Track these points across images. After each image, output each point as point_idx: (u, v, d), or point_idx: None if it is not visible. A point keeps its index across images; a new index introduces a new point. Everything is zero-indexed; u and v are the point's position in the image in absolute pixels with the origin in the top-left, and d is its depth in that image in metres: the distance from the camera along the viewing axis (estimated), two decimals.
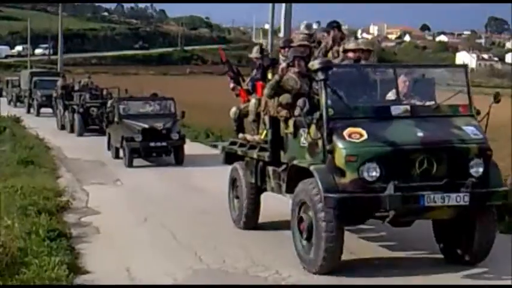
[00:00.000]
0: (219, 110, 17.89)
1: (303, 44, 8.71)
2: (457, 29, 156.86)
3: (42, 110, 32.78)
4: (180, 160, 16.44)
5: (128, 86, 24.43)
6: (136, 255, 8.12)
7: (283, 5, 17.61)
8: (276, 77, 8.08)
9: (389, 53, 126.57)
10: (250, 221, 9.39)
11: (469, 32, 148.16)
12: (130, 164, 15.92)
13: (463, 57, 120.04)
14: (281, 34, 18.01)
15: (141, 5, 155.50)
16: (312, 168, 7.07)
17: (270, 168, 8.52)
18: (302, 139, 7.60)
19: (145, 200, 11.88)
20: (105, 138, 18.35)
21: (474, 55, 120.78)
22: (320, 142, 7.14)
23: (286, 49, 9.01)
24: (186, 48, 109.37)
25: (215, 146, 13.05)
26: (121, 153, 16.69)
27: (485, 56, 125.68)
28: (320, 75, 7.01)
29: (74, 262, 7.56)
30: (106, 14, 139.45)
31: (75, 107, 23.93)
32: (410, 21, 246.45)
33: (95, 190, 12.66)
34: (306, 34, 9.29)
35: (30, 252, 7.48)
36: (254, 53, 9.78)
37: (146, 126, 16.18)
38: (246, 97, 9.59)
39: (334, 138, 6.94)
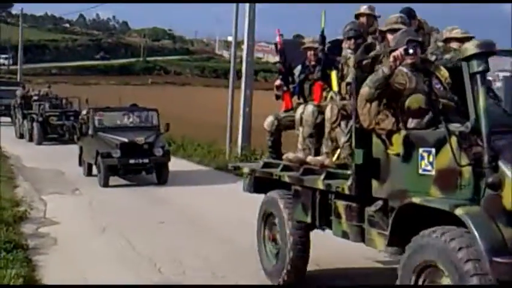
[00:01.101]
0: (181, 119, 17.78)
1: (396, 27, 5.96)
2: None
3: (1, 119, 32.29)
4: (163, 179, 14.65)
5: (88, 95, 24.29)
6: (95, 267, 7.93)
7: (247, 17, 17.66)
8: (385, 70, 5.37)
9: None
10: (296, 272, 6.88)
11: None
12: (106, 183, 14.17)
13: None
14: (244, 46, 18.06)
15: (103, 17, 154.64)
16: (461, 212, 4.44)
17: (342, 204, 6.00)
18: (424, 163, 5.06)
19: (104, 210, 11.71)
20: (64, 147, 18.10)
21: None
22: (467, 170, 4.69)
23: (353, 40, 6.62)
24: (148, 59, 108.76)
25: (235, 168, 9.15)
26: (94, 170, 15.17)
27: None
28: (476, 66, 4.66)
29: (30, 274, 7.35)
30: (67, 25, 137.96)
31: (34, 116, 23.88)
32: None
33: (54, 200, 12.43)
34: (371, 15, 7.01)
35: None
36: (310, 42, 7.28)
37: (125, 140, 14.44)
38: (289, 103, 7.42)
39: (502, 164, 4.48)
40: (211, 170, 17.05)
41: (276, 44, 7.63)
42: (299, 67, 7.42)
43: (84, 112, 17.19)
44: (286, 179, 6.76)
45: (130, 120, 15.89)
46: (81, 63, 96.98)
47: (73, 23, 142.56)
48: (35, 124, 23.58)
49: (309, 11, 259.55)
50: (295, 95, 7.40)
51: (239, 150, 17.15)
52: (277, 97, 7.53)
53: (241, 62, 18.50)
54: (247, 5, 17.56)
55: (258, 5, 17.61)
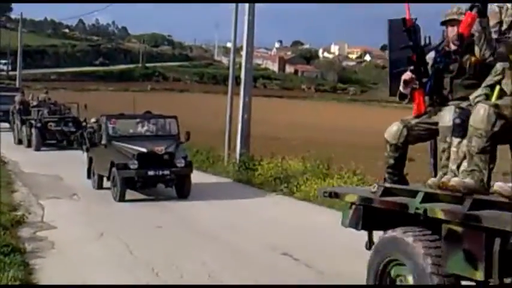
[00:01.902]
0: (180, 125, 17.75)
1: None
2: None
3: (0, 125, 32.32)
4: (185, 193, 13.38)
5: (87, 102, 24.45)
6: (92, 271, 7.93)
7: (246, 23, 17.70)
8: None
9: (350, 72, 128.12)
10: None
11: None
12: (122, 197, 12.92)
13: None
14: (243, 53, 18.11)
15: (103, 22, 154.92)
16: None
17: None
18: None
19: (102, 214, 11.73)
20: (63, 153, 18.01)
21: None
22: None
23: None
24: (147, 65, 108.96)
25: (331, 195, 6.17)
26: (105, 183, 14.10)
27: None
28: None
29: (27, 278, 7.37)
30: (67, 30, 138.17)
31: (32, 121, 23.88)
32: (371, 41, 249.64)
33: (51, 204, 12.41)
34: None
35: None
36: (454, 14, 5.46)
37: (144, 150, 13.22)
38: (422, 105, 5.61)
39: None
40: (210, 175, 17.07)
41: (404, 20, 5.61)
42: (432, 54, 5.66)
43: (93, 120, 16.19)
44: (440, 215, 4.73)
45: (146, 128, 14.60)
46: (80, 69, 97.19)
47: (72, 28, 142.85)
48: (33, 130, 23.56)
49: (310, 18, 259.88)
50: (427, 93, 5.60)
51: (238, 157, 17.17)
52: (402, 96, 5.67)
53: (240, 68, 18.54)
54: (246, 10, 17.60)
55: (257, 10, 17.63)
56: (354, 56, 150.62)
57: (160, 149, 13.30)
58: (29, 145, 23.78)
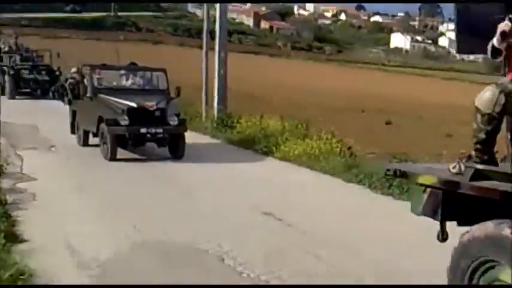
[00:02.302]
0: None
1: None
2: (390, 10, 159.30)
3: None
4: (180, 153, 12.62)
5: (60, 50, 24.06)
6: (74, 224, 7.95)
7: None
8: None
9: (325, 31, 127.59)
10: None
11: (403, 14, 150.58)
12: (113, 156, 12.12)
13: (398, 39, 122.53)
14: (217, 5, 17.90)
15: None
16: None
17: None
18: None
19: (81, 167, 11.73)
20: (39, 103, 17.76)
21: (408, 37, 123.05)
22: None
23: None
24: (119, 14, 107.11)
25: (396, 174, 4.93)
26: (92, 139, 13.42)
27: (419, 38, 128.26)
28: None
29: (10, 230, 7.35)
30: None
31: (5, 68, 23.22)
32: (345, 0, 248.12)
33: (30, 155, 12.37)
34: None
35: None
36: None
37: (133, 105, 12.26)
38: None
39: None
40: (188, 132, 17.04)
41: None
42: None
43: (73, 70, 15.33)
44: None
45: (132, 81, 13.70)
46: (51, 15, 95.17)
47: None
48: (6, 77, 22.95)
49: None
50: None
51: (215, 113, 17.14)
52: (496, 52, 4.49)
53: (214, 21, 18.26)
54: None
55: None
56: (329, 15, 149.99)
57: (151, 104, 12.38)
58: (2, 93, 22.97)
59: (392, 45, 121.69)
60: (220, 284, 6.98)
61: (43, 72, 23.11)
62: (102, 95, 12.87)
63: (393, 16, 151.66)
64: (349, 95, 20.47)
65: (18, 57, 23.67)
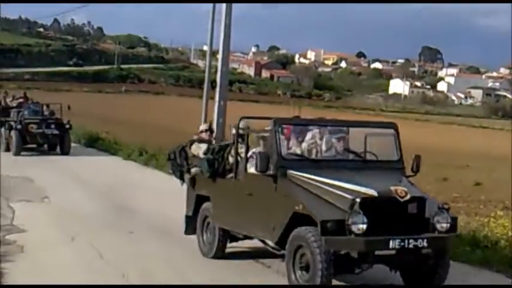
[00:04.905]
0: (154, 128, 17.64)
1: None
2: (391, 57, 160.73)
3: None
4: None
5: (63, 102, 23.76)
6: (61, 276, 7.81)
7: (222, 26, 17.64)
8: None
9: (325, 78, 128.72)
10: None
11: (403, 60, 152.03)
12: None
13: (397, 85, 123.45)
14: (219, 56, 18.05)
15: (78, 22, 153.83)
16: None
17: None
18: None
19: (74, 218, 11.56)
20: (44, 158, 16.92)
21: (407, 82, 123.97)
22: None
23: None
24: (122, 66, 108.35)
25: None
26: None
27: (418, 83, 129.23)
28: None
29: None
30: (42, 30, 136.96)
31: (12, 123, 22.15)
32: (346, 48, 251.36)
33: (22, 207, 12.23)
34: None
35: None
36: None
37: (372, 192, 6.87)
38: None
39: None
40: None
41: None
42: None
43: (203, 127, 10.30)
44: None
45: (332, 145, 8.05)
46: (54, 69, 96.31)
47: (47, 28, 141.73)
48: (12, 132, 21.84)
49: (286, 23, 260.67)
50: None
51: None
52: None
53: (216, 72, 18.44)
54: (223, 13, 17.51)
55: (234, 14, 17.55)
56: (329, 62, 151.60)
57: (401, 190, 7.02)
58: (7, 149, 22.03)
59: (391, 91, 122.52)
60: (220, 284, 6.79)
61: (52, 126, 22.20)
62: (295, 172, 7.48)
63: (393, 62, 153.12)
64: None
65: (26, 112, 22.70)
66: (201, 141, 9.60)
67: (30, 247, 9.18)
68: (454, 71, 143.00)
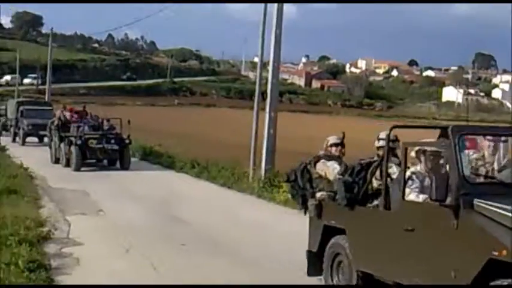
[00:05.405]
0: (206, 140, 17.80)
1: None
2: (444, 64, 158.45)
3: (28, 139, 32.64)
4: None
5: (121, 116, 23.85)
6: None
7: (273, 38, 17.77)
8: None
9: (376, 87, 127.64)
10: None
11: (456, 68, 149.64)
12: None
13: (450, 92, 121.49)
14: (269, 67, 18.15)
15: (132, 37, 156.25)
16: None
17: None
18: None
19: (128, 230, 11.72)
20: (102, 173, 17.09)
21: (461, 90, 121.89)
22: None
23: None
24: (175, 79, 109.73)
25: None
26: None
27: (472, 91, 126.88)
28: None
29: None
30: (96, 45, 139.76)
31: (72, 138, 22.14)
32: (398, 56, 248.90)
33: (77, 220, 12.48)
34: None
35: (9, 283, 7.36)
36: None
37: None
38: None
39: None
40: (235, 192, 17.08)
41: None
42: None
43: (330, 141, 8.33)
44: None
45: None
46: (109, 84, 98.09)
47: (102, 43, 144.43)
48: (72, 148, 21.77)
49: (336, 32, 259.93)
50: None
51: (263, 173, 17.14)
52: None
53: (266, 83, 18.53)
54: (273, 24, 17.61)
55: (284, 24, 17.62)
56: (381, 71, 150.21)
57: None
58: (67, 164, 22.01)
59: (444, 99, 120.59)
60: (221, 284, 6.81)
61: (112, 141, 22.09)
62: (485, 202, 5.71)
63: (446, 70, 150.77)
64: None
65: (86, 127, 22.77)
66: (329, 157, 7.95)
67: (86, 259, 9.38)
68: (508, 77, 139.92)
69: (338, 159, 7.90)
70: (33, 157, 24.46)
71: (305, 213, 7.95)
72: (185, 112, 68.52)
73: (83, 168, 21.45)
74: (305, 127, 51.53)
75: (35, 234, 10.28)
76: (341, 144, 8.12)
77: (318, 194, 7.64)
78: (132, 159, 23.59)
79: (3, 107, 40.66)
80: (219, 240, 11.03)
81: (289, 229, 11.64)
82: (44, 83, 64.06)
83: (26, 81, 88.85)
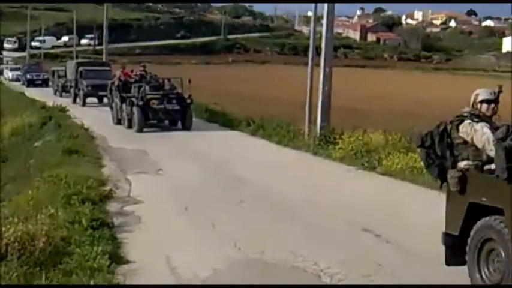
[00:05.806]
0: (260, 98, 17.81)
1: None
2: (504, 14, 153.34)
3: (88, 99, 33.17)
4: None
5: (174, 75, 23.81)
6: (177, 245, 8.19)
7: None
8: None
9: (434, 39, 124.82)
10: None
11: None
12: None
13: (510, 43, 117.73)
14: (323, 21, 17.93)
15: None
16: None
17: None
18: None
19: (186, 189, 11.96)
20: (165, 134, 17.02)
21: None
22: None
23: None
24: (228, 37, 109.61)
25: None
26: None
27: None
28: None
29: (115, 252, 7.67)
30: (150, 4, 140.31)
31: (133, 99, 21.84)
32: (456, 7, 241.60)
33: (138, 179, 12.74)
34: None
35: (73, 241, 7.65)
36: None
37: None
38: None
39: None
40: (290, 150, 17.15)
41: None
42: None
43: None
44: None
45: None
46: (163, 43, 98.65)
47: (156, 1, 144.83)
48: (135, 109, 21.44)
49: None
50: None
51: (318, 130, 17.10)
52: None
53: (320, 38, 18.27)
54: None
55: None
56: (438, 22, 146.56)
57: None
58: (130, 126, 21.81)
59: (504, 49, 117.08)
60: (220, 284, 6.91)
61: (174, 101, 21.64)
62: None
63: (506, 19, 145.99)
64: (458, 105, 19.82)
65: (147, 87, 22.18)
66: (478, 118, 6.36)
67: (147, 217, 9.63)
68: None
69: (489, 120, 6.36)
70: (93, 118, 24.95)
71: (441, 186, 6.60)
72: (239, 69, 68.64)
73: (147, 131, 21.26)
74: (362, 82, 51.07)
75: (97, 193, 10.57)
76: (495, 101, 6.44)
77: (461, 164, 6.25)
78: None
79: (63, 68, 41.38)
80: (276, 199, 11.15)
81: (351, 188, 11.68)
82: (100, 44, 64.75)
83: (83, 41, 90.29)
